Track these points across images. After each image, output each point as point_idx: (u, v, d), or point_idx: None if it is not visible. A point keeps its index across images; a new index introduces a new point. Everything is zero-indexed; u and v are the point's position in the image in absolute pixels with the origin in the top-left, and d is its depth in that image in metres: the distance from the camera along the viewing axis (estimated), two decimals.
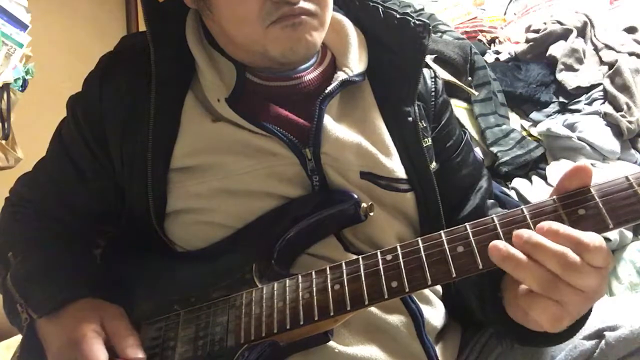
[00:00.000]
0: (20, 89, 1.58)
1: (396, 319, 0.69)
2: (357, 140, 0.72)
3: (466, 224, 0.56)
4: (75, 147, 0.77)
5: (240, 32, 0.70)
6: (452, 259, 0.55)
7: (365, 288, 0.58)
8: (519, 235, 0.51)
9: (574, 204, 0.53)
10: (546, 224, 0.51)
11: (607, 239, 1.21)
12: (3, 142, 1.54)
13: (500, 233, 0.54)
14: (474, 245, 0.54)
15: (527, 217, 0.54)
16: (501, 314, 0.62)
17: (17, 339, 0.87)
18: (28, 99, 1.63)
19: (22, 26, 1.51)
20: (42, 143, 0.84)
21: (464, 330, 0.80)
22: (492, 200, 0.82)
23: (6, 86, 1.50)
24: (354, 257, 0.61)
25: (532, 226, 0.53)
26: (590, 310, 0.59)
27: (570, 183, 0.54)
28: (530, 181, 1.42)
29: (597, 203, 0.52)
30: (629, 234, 1.25)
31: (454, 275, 0.54)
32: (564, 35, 1.65)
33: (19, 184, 0.85)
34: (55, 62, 1.98)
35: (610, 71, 1.52)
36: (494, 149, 1.45)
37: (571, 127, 1.46)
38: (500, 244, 0.51)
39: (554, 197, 0.54)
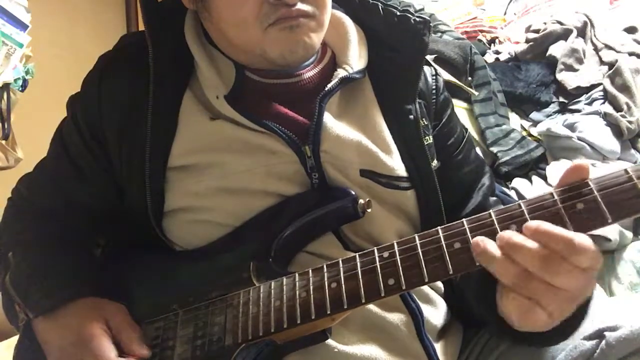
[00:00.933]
0: (20, 89, 1.58)
1: (396, 318, 0.69)
2: (358, 138, 0.72)
3: (463, 219, 0.56)
4: (75, 146, 0.78)
5: (239, 34, 0.70)
6: (449, 256, 0.54)
7: (362, 286, 0.57)
8: (500, 237, 0.51)
9: (572, 198, 0.52)
10: (532, 224, 0.50)
11: (606, 239, 1.21)
12: (3, 142, 1.54)
13: (498, 228, 0.53)
14: (471, 241, 0.54)
15: (525, 212, 0.53)
16: (494, 312, 0.61)
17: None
18: (28, 99, 1.63)
19: (22, 26, 1.51)
20: (42, 143, 0.84)
21: (465, 329, 0.80)
22: (494, 198, 0.82)
23: (6, 86, 1.51)
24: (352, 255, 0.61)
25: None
26: (584, 313, 0.58)
27: (570, 181, 0.53)
28: (530, 181, 1.42)
29: (595, 197, 0.51)
30: (629, 234, 1.25)
31: (451, 272, 0.54)
32: (564, 35, 1.65)
33: (20, 184, 0.86)
34: (55, 62, 1.98)
35: (610, 71, 1.52)
36: (494, 149, 1.45)
37: (571, 127, 1.46)
38: (481, 240, 0.52)
39: (552, 191, 0.53)
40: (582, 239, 0.49)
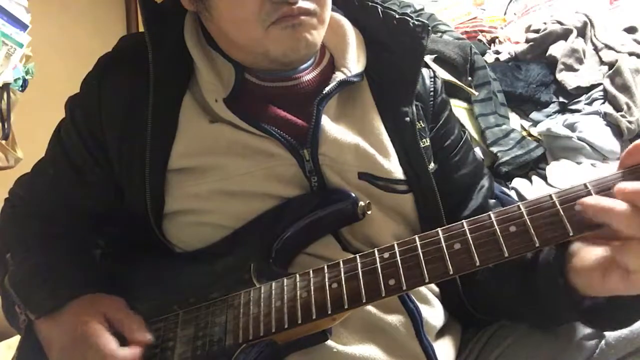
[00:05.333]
0: (20, 89, 1.58)
1: (395, 319, 0.69)
2: (355, 141, 0.72)
3: (463, 221, 0.56)
4: (74, 148, 0.77)
5: (241, 34, 0.70)
6: (449, 256, 0.55)
7: (362, 286, 0.58)
8: (622, 187, 0.49)
9: (570, 199, 0.52)
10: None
11: None
12: (3, 142, 1.54)
13: (497, 230, 0.54)
14: (471, 242, 0.54)
15: (524, 213, 0.53)
16: (561, 292, 0.59)
17: (18, 338, 0.87)
18: (28, 99, 1.63)
19: (22, 26, 1.51)
20: (42, 143, 0.84)
21: (464, 330, 0.80)
22: (494, 200, 0.82)
23: (6, 86, 1.50)
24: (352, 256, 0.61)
25: (528, 223, 0.53)
26: None
27: (632, 160, 0.52)
28: (530, 181, 1.42)
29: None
30: None
31: (451, 272, 0.54)
32: (564, 35, 1.65)
33: (18, 185, 0.85)
34: (55, 62, 1.98)
35: (610, 71, 1.52)
36: (494, 149, 1.45)
37: (571, 127, 1.46)
38: (589, 198, 0.50)
39: (551, 193, 0.53)
40: None
